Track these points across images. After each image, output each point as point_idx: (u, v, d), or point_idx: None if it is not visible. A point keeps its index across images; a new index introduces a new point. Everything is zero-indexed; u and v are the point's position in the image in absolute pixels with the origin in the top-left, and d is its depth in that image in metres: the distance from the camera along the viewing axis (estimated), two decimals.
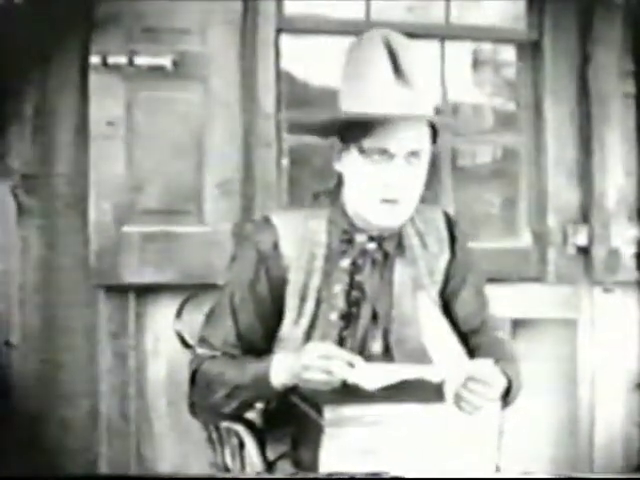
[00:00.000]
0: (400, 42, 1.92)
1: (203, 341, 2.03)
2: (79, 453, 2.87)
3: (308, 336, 1.96)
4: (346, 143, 1.94)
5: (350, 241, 1.99)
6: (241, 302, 2.00)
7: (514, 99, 3.36)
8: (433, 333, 1.85)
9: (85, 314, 2.88)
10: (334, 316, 1.98)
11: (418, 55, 1.95)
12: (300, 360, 1.81)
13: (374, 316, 1.99)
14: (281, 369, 1.89)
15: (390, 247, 2.01)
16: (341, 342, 1.96)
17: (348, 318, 1.98)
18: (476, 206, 3.41)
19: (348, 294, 1.99)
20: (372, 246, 1.99)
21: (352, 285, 1.99)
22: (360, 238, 1.99)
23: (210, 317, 2.05)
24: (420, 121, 1.91)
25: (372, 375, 1.77)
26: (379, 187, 1.90)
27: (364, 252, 1.99)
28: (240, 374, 1.94)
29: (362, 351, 1.95)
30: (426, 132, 1.93)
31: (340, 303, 1.98)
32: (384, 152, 1.88)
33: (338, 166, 1.99)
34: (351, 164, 1.94)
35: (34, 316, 2.85)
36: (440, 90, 3.16)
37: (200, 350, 2.03)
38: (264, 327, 2.00)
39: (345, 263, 1.99)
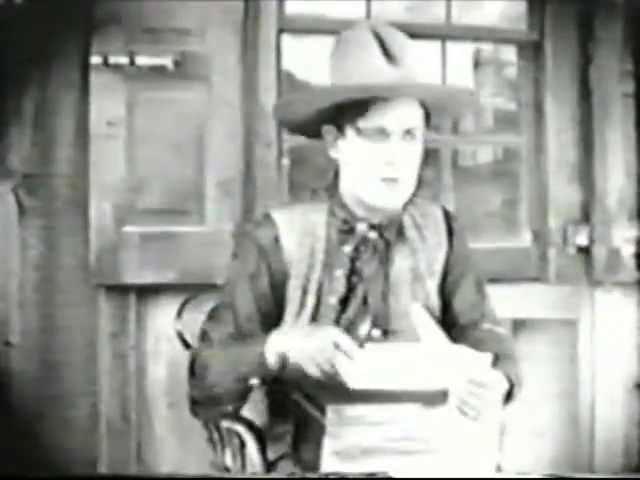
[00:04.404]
0: (388, 30, 1.96)
1: (204, 335, 2.03)
2: (79, 453, 2.86)
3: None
4: (341, 127, 1.95)
5: (351, 230, 2.00)
6: (243, 297, 2.01)
7: (515, 99, 3.35)
8: (431, 343, 1.83)
9: (85, 314, 2.87)
10: (333, 300, 1.98)
11: (407, 41, 1.97)
12: (312, 338, 1.81)
13: (365, 301, 2.00)
14: (279, 337, 1.88)
15: (391, 235, 2.03)
16: (337, 324, 1.96)
17: (345, 302, 1.99)
18: (477, 206, 3.41)
19: (348, 279, 2.00)
20: (373, 234, 2.01)
21: (352, 270, 2.00)
22: (361, 227, 2.00)
23: (212, 313, 2.06)
24: (413, 99, 1.92)
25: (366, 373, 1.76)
26: (378, 166, 1.92)
27: (365, 240, 2.00)
28: (236, 350, 1.93)
29: (350, 333, 1.93)
30: (419, 111, 1.95)
31: (340, 287, 1.99)
32: (381, 131, 1.90)
33: (334, 153, 2.00)
34: (348, 147, 1.95)
35: (34, 316, 2.85)
36: None
37: (201, 344, 2.03)
38: (265, 322, 2.00)
39: (348, 249, 2.00)
